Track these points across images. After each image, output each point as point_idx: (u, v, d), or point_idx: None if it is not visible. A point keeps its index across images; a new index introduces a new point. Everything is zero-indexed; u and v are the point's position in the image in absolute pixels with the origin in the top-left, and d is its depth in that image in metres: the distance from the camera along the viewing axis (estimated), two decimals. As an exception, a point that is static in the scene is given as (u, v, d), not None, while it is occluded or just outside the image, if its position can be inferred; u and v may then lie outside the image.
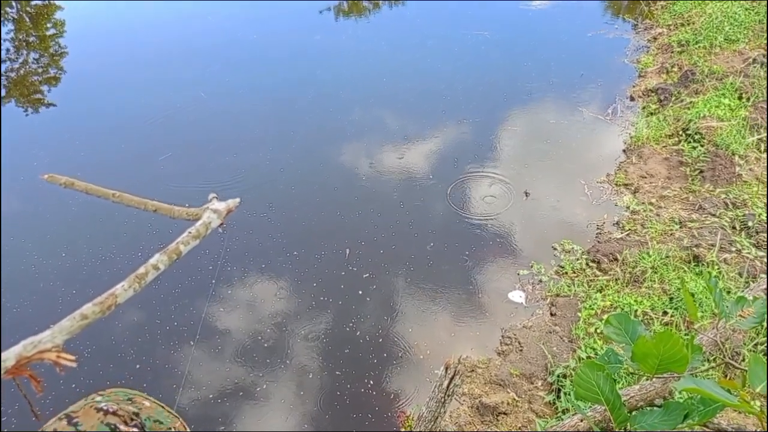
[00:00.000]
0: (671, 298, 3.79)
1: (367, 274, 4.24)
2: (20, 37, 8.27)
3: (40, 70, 7.36)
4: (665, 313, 3.70)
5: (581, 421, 1.67)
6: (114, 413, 0.67)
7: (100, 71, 7.11)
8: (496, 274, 4.29)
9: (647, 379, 1.67)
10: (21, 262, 4.36)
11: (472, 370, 3.69)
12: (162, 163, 5.36)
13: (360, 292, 4.12)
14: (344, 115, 6.10)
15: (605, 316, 3.75)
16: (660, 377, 1.51)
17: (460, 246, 4.48)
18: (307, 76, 6.84)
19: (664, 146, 5.35)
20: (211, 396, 3.50)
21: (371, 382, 3.60)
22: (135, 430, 0.66)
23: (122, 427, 0.65)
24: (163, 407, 0.80)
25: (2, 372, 0.60)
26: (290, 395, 3.53)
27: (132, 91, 6.61)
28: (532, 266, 4.33)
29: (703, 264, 3.92)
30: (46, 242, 4.56)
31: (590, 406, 1.85)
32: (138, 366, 3.64)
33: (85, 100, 6.55)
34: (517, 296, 4.15)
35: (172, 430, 0.78)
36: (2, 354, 0.62)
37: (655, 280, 3.93)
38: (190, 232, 0.87)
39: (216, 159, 5.43)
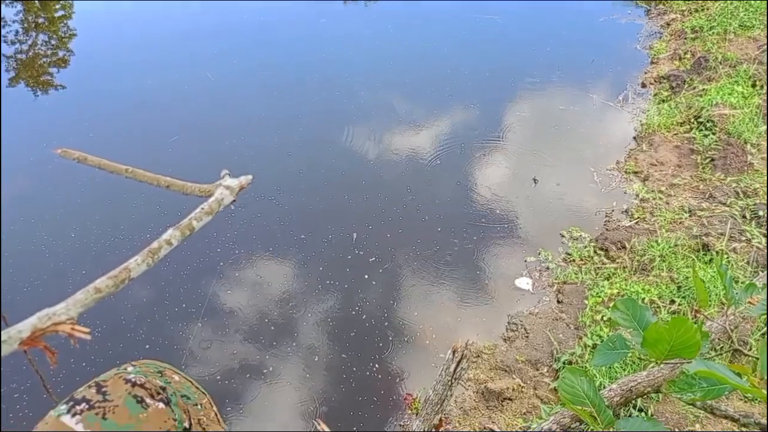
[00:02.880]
0: (679, 287, 3.78)
1: (374, 258, 4.25)
2: (29, 18, 8.26)
3: (49, 52, 7.36)
4: (672, 301, 3.68)
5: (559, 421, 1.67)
6: (142, 385, 0.67)
7: (109, 53, 7.10)
8: (503, 260, 4.29)
9: (654, 365, 1.67)
10: (31, 241, 4.39)
11: (478, 356, 3.70)
12: (171, 145, 5.36)
13: (366, 276, 4.13)
14: (351, 99, 6.07)
15: (613, 302, 3.74)
16: (669, 363, 1.51)
17: (467, 231, 4.47)
18: (314, 60, 6.80)
19: (675, 134, 5.30)
20: (218, 376, 3.53)
21: (377, 365, 3.62)
22: (161, 404, 0.66)
23: (148, 399, 0.65)
24: (191, 382, 0.81)
25: (18, 343, 0.61)
26: (296, 377, 3.56)
27: (140, 73, 6.60)
28: (539, 253, 4.32)
29: (712, 253, 3.90)
30: (55, 222, 4.59)
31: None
32: (147, 346, 3.68)
33: (94, 82, 6.55)
34: (523, 283, 4.14)
35: (199, 405, 0.78)
36: (18, 325, 0.63)
37: (663, 269, 3.92)
38: (202, 208, 0.87)
39: (224, 141, 5.42)
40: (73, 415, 0.62)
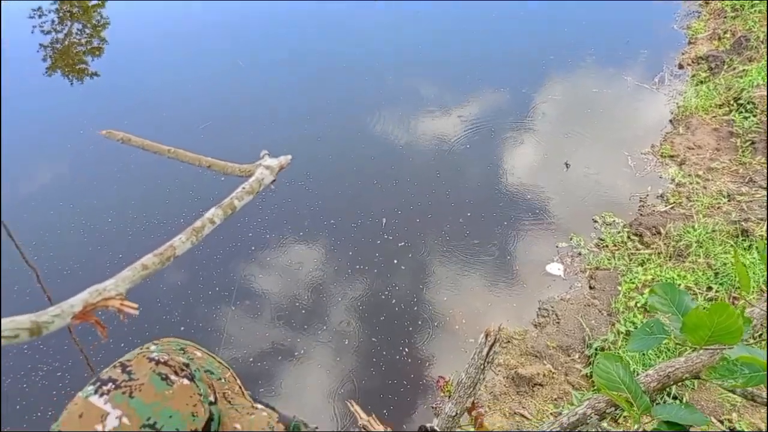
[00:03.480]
0: (716, 273, 3.69)
1: (403, 243, 4.25)
2: (64, 8, 8.42)
3: (83, 41, 7.50)
4: (710, 288, 3.60)
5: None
6: (165, 363, 0.69)
7: (141, 41, 7.20)
8: (533, 245, 4.24)
9: (692, 351, 1.63)
10: (69, 226, 4.52)
11: (508, 341, 3.69)
12: (202, 131, 5.43)
13: (395, 261, 4.14)
14: (380, 84, 6.04)
15: (648, 288, 3.68)
16: (708, 349, 1.48)
17: (497, 216, 4.44)
18: (343, 45, 6.78)
19: (713, 116, 5.13)
20: (251, 358, 3.60)
21: (406, 349, 3.64)
22: (185, 380, 0.67)
23: (173, 376, 0.67)
24: (214, 357, 0.83)
25: (70, 317, 0.63)
26: (327, 359, 3.61)
27: (171, 61, 6.69)
28: (571, 238, 4.26)
29: (751, 238, 3.79)
30: (93, 207, 4.71)
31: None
32: (182, 328, 3.77)
33: (127, 70, 6.66)
34: (555, 268, 4.10)
35: (223, 379, 0.80)
36: (70, 300, 0.65)
37: (699, 255, 3.82)
38: (243, 188, 0.88)
39: (254, 127, 5.47)
40: (101, 395, 0.64)
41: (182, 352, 0.81)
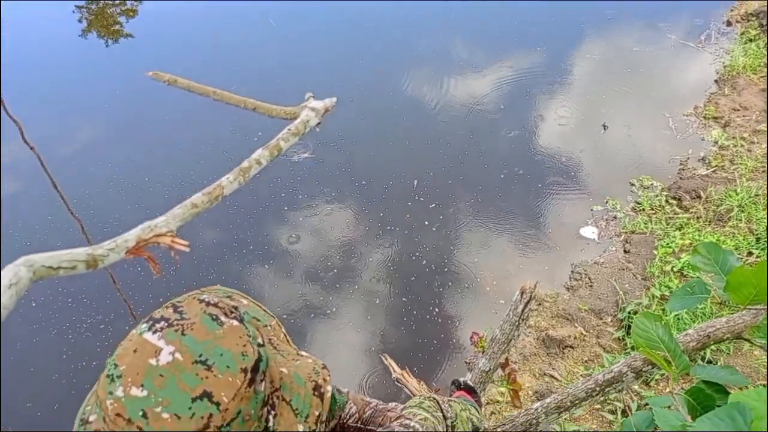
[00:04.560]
0: (758, 239, 3.58)
1: (434, 204, 4.23)
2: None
3: (117, 2, 7.52)
4: (750, 253, 3.51)
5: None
6: (215, 305, 0.70)
7: (173, 2, 7.18)
8: (567, 208, 4.18)
9: (733, 312, 1.60)
10: (108, 186, 4.61)
11: (540, 304, 3.68)
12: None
13: (426, 223, 4.13)
14: (412, 43, 5.93)
15: (686, 253, 3.60)
16: (752, 308, 1.45)
17: (530, 178, 4.37)
18: (374, 3, 6.64)
19: (761, 76, 4.90)
20: (283, 315, 3.68)
21: (436, 309, 3.67)
22: (235, 321, 0.68)
23: (223, 317, 0.68)
24: (259, 306, 0.83)
25: (124, 252, 0.64)
26: (359, 318, 3.66)
27: (203, 21, 6.66)
28: (606, 202, 4.18)
29: (797, 203, 3.65)
30: (129, 168, 4.79)
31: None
32: (218, 285, 3.85)
33: (159, 31, 6.68)
34: (589, 232, 4.04)
35: (269, 326, 0.81)
36: (124, 235, 0.66)
37: (741, 219, 3.71)
38: (289, 129, 0.88)
39: (285, 87, 5.44)
40: (154, 332, 0.66)
41: (229, 298, 0.82)
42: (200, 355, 0.63)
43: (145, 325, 0.68)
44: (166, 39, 6.51)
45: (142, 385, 0.62)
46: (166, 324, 0.66)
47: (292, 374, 0.74)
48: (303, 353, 0.79)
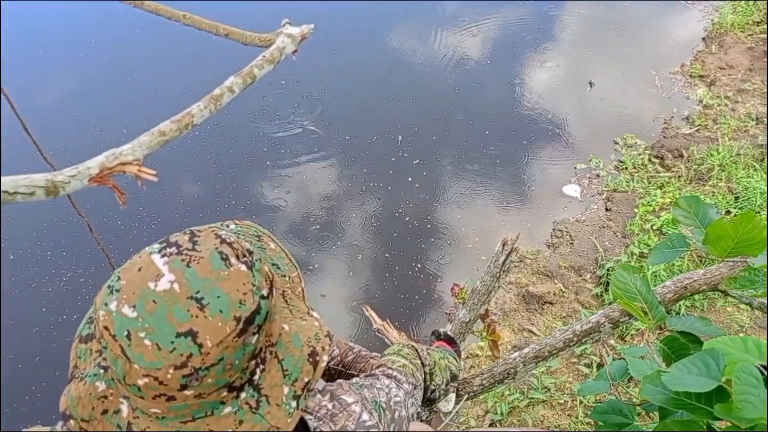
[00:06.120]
0: (737, 197, 3.63)
1: (418, 161, 4.21)
2: None
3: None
4: (728, 212, 3.56)
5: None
6: (230, 244, 0.67)
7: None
8: (551, 166, 4.18)
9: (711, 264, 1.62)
10: (85, 139, 4.50)
11: (521, 260, 3.71)
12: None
13: (410, 179, 4.11)
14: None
15: (666, 211, 3.65)
16: (729, 261, 1.46)
17: (515, 135, 4.35)
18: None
19: (749, 34, 4.87)
20: (266, 270, 3.67)
21: (418, 265, 3.69)
22: (243, 267, 0.66)
23: (233, 259, 0.65)
24: (286, 254, 0.81)
25: (87, 179, 0.61)
26: (341, 273, 3.67)
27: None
28: (590, 160, 4.18)
29: (777, 163, 3.69)
30: (106, 120, 4.65)
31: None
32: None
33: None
34: (572, 190, 4.05)
35: (288, 277, 0.78)
36: (87, 162, 0.63)
37: (721, 179, 3.75)
38: (264, 56, 0.84)
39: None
40: (162, 256, 0.64)
41: (257, 239, 0.80)
42: (197, 292, 0.61)
43: (158, 246, 0.66)
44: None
45: (134, 306, 0.61)
46: (176, 251, 0.65)
47: (292, 333, 0.71)
48: (314, 314, 0.77)
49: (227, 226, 0.80)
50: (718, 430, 0.96)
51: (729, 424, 0.87)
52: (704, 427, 0.93)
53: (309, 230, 3.88)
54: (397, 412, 0.94)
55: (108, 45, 5.30)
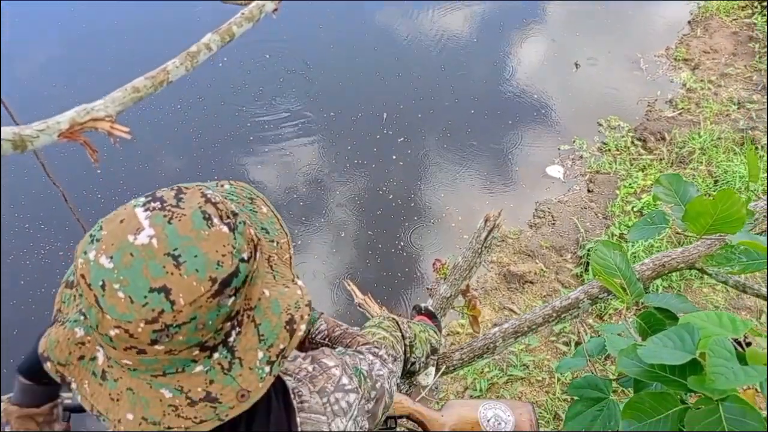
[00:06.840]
0: (716, 181, 3.68)
1: (403, 138, 4.19)
2: None
3: None
4: (708, 195, 3.60)
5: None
6: (215, 204, 0.65)
7: None
8: (535, 147, 4.19)
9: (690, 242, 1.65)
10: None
11: (503, 240, 3.74)
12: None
13: (394, 157, 4.10)
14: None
15: (647, 194, 3.69)
16: (707, 239, 1.48)
17: (500, 115, 4.34)
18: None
19: (734, 19, 4.89)
20: (248, 246, 3.65)
21: (402, 243, 3.69)
22: (225, 228, 0.64)
23: (215, 219, 0.64)
24: (278, 219, 0.79)
25: (56, 134, 0.59)
26: (324, 251, 3.67)
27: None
28: (574, 141, 4.20)
29: (758, 148, 3.74)
30: (84, 87, 4.56)
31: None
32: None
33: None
34: (555, 171, 4.07)
35: (276, 242, 0.77)
36: (57, 117, 0.61)
37: (702, 162, 3.79)
38: (243, 13, 0.82)
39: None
40: (146, 210, 0.64)
41: (250, 201, 0.78)
42: (175, 249, 0.61)
43: (143, 199, 0.65)
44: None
45: (111, 257, 0.61)
46: (159, 206, 0.63)
47: (272, 299, 0.70)
48: (299, 282, 0.76)
49: (222, 185, 0.79)
50: (690, 402, 0.97)
51: (701, 396, 0.89)
52: (678, 399, 0.95)
53: (292, 206, 3.85)
54: (379, 383, 0.94)
55: (87, 13, 5.16)
